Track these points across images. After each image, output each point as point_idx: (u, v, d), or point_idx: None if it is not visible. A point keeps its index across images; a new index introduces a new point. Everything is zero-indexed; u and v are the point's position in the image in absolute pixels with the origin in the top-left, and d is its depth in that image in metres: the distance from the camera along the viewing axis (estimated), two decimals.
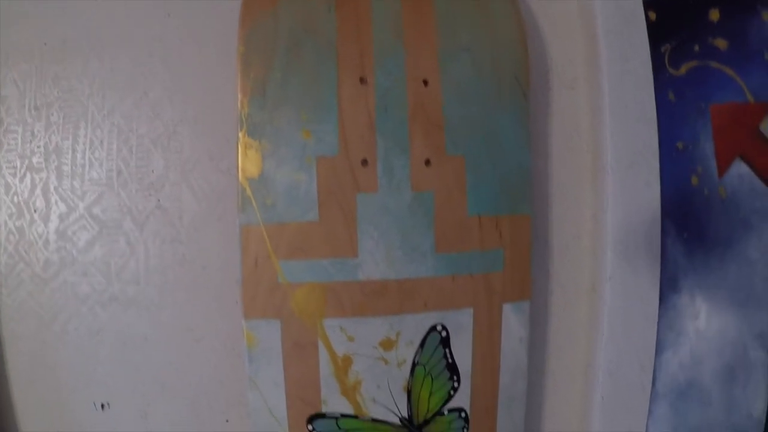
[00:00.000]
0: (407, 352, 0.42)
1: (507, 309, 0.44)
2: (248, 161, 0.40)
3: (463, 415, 0.45)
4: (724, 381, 0.35)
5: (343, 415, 0.43)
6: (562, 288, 0.50)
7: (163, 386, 0.48)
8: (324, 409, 0.42)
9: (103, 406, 0.49)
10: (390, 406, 0.43)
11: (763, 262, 0.32)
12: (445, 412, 0.44)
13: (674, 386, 0.40)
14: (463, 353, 0.43)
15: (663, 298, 0.41)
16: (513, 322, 0.44)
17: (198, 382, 0.48)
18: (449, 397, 0.44)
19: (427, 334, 0.42)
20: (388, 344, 0.42)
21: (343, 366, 0.42)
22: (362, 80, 0.41)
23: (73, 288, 0.47)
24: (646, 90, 0.43)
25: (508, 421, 0.46)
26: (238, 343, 0.45)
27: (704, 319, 0.37)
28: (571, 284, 0.50)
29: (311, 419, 0.43)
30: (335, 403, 0.42)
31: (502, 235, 0.43)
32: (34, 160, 0.47)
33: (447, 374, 0.43)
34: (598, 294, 0.50)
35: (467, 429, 0.45)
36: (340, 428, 0.43)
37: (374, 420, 0.43)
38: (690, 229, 0.38)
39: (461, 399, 0.44)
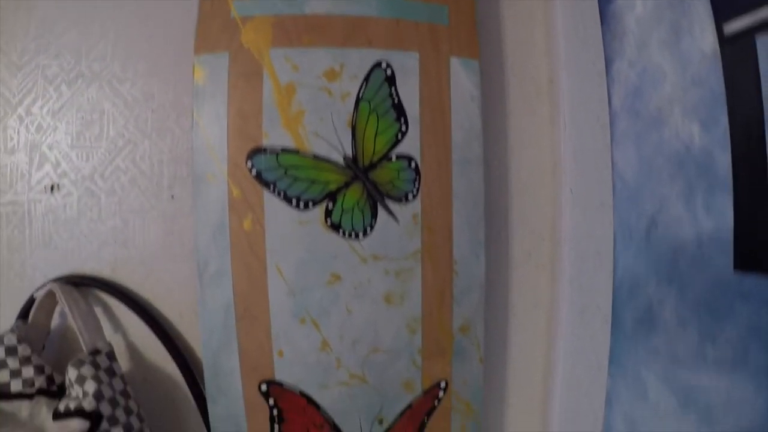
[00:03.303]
0: (351, 86, 0.42)
1: (455, 63, 0.44)
2: None
3: (413, 165, 0.42)
4: (671, 41, 0.33)
5: (284, 150, 0.41)
6: (519, 82, 0.50)
7: (112, 162, 0.47)
8: (265, 143, 0.41)
9: (52, 188, 0.48)
10: (333, 141, 0.41)
11: None
12: (393, 158, 0.42)
13: (628, 88, 0.38)
14: (410, 97, 0.43)
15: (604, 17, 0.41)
16: (463, 77, 0.44)
17: (147, 156, 0.47)
18: (397, 141, 0.42)
19: (372, 69, 0.42)
20: (332, 75, 0.42)
21: (286, 94, 0.41)
22: None
23: (43, 71, 0.49)
24: None
25: (464, 182, 0.43)
26: (188, 111, 0.46)
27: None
28: (528, 79, 0.50)
29: (251, 155, 0.41)
30: (276, 136, 0.41)
31: None
32: None
33: (393, 114, 0.42)
34: (555, 85, 0.49)
35: (418, 182, 0.42)
36: (280, 165, 0.41)
37: (316, 157, 0.41)
38: None
39: (410, 146, 0.42)
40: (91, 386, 0.43)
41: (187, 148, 0.46)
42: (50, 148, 0.48)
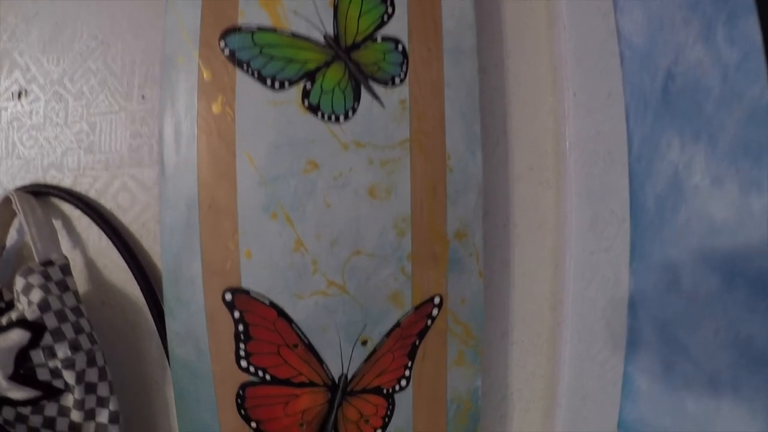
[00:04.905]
0: None
1: None
2: None
3: (400, 47, 0.39)
4: None
5: (260, 29, 0.38)
6: None
7: (83, 63, 0.44)
8: (240, 22, 0.38)
9: (20, 94, 0.45)
10: (313, 20, 0.38)
11: None
12: (379, 39, 0.39)
13: None
14: None
15: None
16: None
17: (120, 57, 0.44)
18: (382, 22, 0.39)
19: None
20: None
21: None
22: None
23: None
24: None
25: (456, 72, 0.39)
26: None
27: None
28: None
29: (225, 35, 0.38)
30: (253, 14, 0.38)
31: None
32: None
33: None
34: None
35: (406, 66, 0.39)
36: (255, 44, 0.38)
37: (294, 35, 0.38)
38: None
39: (397, 29, 0.39)
40: (37, 295, 0.39)
41: (157, 54, 0.43)
42: (21, 54, 0.46)
